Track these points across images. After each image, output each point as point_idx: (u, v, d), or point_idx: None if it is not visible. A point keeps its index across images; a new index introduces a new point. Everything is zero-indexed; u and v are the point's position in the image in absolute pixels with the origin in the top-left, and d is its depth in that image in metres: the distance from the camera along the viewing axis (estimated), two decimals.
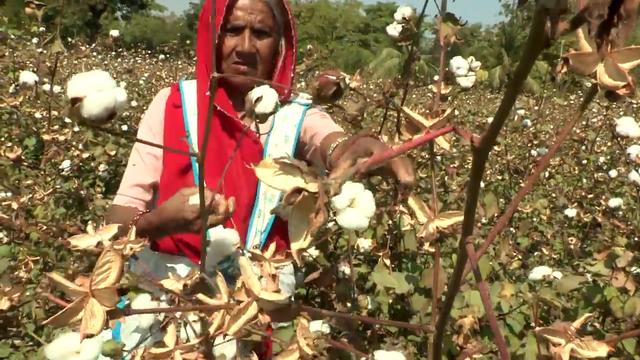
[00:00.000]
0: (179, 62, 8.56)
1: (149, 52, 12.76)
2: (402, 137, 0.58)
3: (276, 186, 0.32)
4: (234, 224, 1.20)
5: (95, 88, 0.51)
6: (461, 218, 0.56)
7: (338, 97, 0.57)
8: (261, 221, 1.29)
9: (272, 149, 1.31)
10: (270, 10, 1.24)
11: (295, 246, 0.33)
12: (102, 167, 2.89)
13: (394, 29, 1.38)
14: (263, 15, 1.23)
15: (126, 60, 10.61)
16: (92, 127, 0.53)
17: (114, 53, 10.28)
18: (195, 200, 0.93)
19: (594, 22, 0.31)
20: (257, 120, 0.75)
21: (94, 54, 8.66)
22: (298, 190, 0.31)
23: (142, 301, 0.91)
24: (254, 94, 0.73)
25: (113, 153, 2.73)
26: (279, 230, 1.30)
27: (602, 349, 0.51)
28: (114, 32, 2.41)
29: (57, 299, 0.49)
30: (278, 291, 0.47)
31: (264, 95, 0.72)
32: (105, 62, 8.46)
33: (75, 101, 0.50)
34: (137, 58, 11.70)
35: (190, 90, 1.31)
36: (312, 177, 0.32)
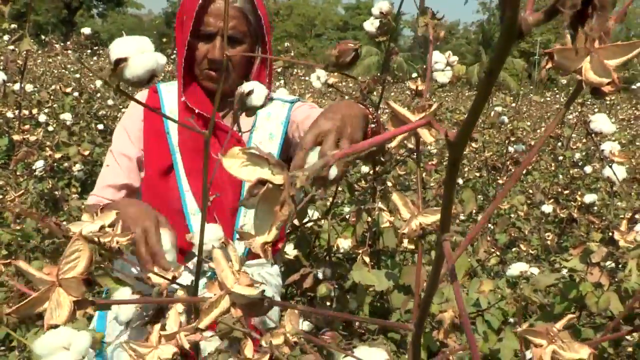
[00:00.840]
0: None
1: None
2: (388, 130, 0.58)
3: (243, 177, 0.31)
4: (218, 222, 1.18)
5: (139, 50, 0.53)
6: None
7: (354, 64, 0.60)
8: (247, 220, 1.27)
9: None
10: (243, 15, 1.22)
11: (259, 240, 0.32)
12: (77, 167, 2.83)
13: (371, 25, 1.37)
14: (236, 21, 1.20)
15: (102, 59, 10.47)
16: (132, 86, 0.54)
17: (89, 51, 10.12)
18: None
19: (567, 13, 0.30)
20: (246, 114, 0.75)
21: (69, 52, 8.52)
22: (262, 182, 0.31)
23: (122, 295, 0.90)
24: (244, 87, 0.73)
25: (87, 153, 2.68)
26: None
27: (584, 351, 0.51)
28: (86, 30, 2.37)
29: (24, 287, 0.47)
30: (251, 285, 0.46)
31: (254, 89, 0.72)
32: (82, 60, 8.31)
33: (119, 62, 0.52)
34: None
35: (168, 92, 1.30)
36: (279, 169, 0.31)
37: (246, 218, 1.26)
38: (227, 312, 0.46)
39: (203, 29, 1.19)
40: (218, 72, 1.23)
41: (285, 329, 0.59)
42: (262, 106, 0.74)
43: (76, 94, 3.88)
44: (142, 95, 1.32)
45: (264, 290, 0.47)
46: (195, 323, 0.49)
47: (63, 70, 7.10)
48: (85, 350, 0.65)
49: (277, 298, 1.24)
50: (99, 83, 5.08)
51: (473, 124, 0.30)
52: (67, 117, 3.33)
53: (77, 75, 5.14)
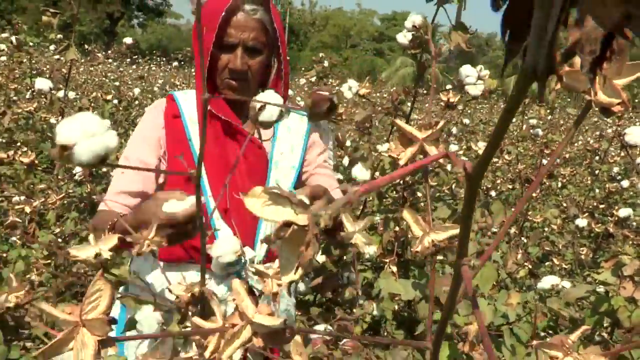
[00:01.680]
0: (193, 70, 8.64)
1: (164, 59, 12.87)
2: (396, 149, 0.58)
3: (266, 217, 0.32)
4: (236, 230, 1.20)
5: (85, 134, 0.49)
6: (456, 231, 0.56)
7: (332, 113, 0.57)
8: (269, 226, 1.29)
9: (277, 157, 1.32)
10: (263, 27, 1.25)
11: (285, 279, 0.32)
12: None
13: (404, 37, 1.39)
14: (256, 32, 1.24)
15: (141, 67, 10.72)
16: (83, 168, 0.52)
17: (129, 60, 10.39)
18: (169, 206, 0.92)
19: (586, 58, 0.31)
20: (263, 128, 0.74)
21: (110, 60, 8.77)
22: (287, 224, 0.31)
23: (145, 313, 0.92)
24: (257, 103, 0.72)
25: None
26: None
27: None
28: (128, 40, 2.44)
29: (48, 328, 0.48)
30: (272, 314, 0.47)
31: (267, 106, 0.71)
32: (121, 69, 8.56)
33: (65, 148, 0.48)
34: (151, 65, 11.81)
35: (185, 100, 1.32)
36: (302, 209, 0.31)
37: (267, 224, 1.28)
38: (249, 341, 0.47)
39: (225, 40, 1.23)
40: (239, 82, 1.26)
41: (294, 359, 0.59)
42: (276, 121, 0.73)
43: (115, 101, 4.00)
44: (160, 103, 1.33)
45: (285, 320, 0.47)
46: (217, 354, 0.49)
47: (103, 79, 7.31)
48: None
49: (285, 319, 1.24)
50: (137, 91, 5.21)
51: (491, 157, 0.30)
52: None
53: (117, 83, 5.28)
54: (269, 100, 0.71)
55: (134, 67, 10.66)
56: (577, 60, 0.33)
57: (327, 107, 0.54)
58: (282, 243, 0.32)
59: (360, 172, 1.46)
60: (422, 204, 1.94)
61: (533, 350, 1.33)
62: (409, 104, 1.52)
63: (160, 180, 1.30)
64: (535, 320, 1.21)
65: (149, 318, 0.86)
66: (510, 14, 0.22)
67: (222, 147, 1.28)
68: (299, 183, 1.36)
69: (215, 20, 1.20)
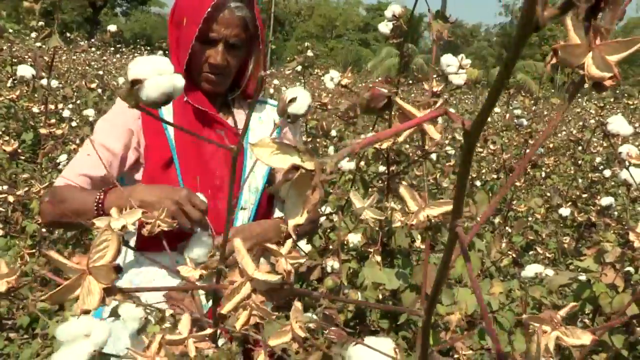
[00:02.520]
0: None
1: (148, 48, 12.76)
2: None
3: (274, 164, 0.33)
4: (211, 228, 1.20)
5: (156, 72, 0.52)
6: (450, 207, 0.57)
7: (386, 110, 0.58)
8: (247, 213, 1.31)
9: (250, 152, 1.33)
10: (245, 24, 1.26)
11: (291, 222, 0.34)
12: None
13: (385, 26, 1.39)
14: (238, 30, 1.25)
15: (125, 57, 10.61)
16: (148, 107, 0.54)
17: (112, 49, 10.28)
18: (194, 253, 0.95)
19: (582, 7, 0.32)
20: (289, 120, 0.75)
21: (93, 49, 8.66)
22: (295, 168, 0.32)
23: (127, 308, 0.92)
24: (288, 94, 0.73)
25: None
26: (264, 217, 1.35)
27: (586, 337, 0.52)
28: (112, 27, 2.41)
29: (54, 276, 0.49)
30: (271, 272, 0.48)
31: (299, 97, 0.73)
32: (104, 58, 8.46)
33: (135, 83, 0.51)
34: (135, 54, 11.70)
35: None
36: (309, 156, 0.33)
37: (245, 210, 1.30)
38: (248, 297, 0.48)
39: (209, 35, 1.24)
40: (217, 76, 1.28)
41: (292, 325, 0.60)
42: (304, 114, 0.74)
43: (99, 90, 3.95)
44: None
45: (283, 276, 0.49)
46: (218, 309, 0.51)
47: (87, 67, 7.22)
48: (103, 342, 0.67)
49: None
50: (121, 80, 5.16)
51: (488, 112, 0.31)
52: (90, 112, 3.40)
53: (100, 73, 5.22)
54: (298, 95, 0.72)
55: (118, 56, 10.54)
56: (572, 35, 0.33)
57: (384, 104, 0.55)
58: (290, 187, 0.33)
59: (346, 161, 1.46)
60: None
61: (515, 338, 1.35)
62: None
63: (124, 169, 1.28)
64: (525, 306, 1.23)
65: (129, 315, 0.87)
66: None
67: (195, 127, 1.28)
68: (272, 173, 1.37)
69: (200, 15, 1.21)
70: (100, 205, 1.12)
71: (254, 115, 1.38)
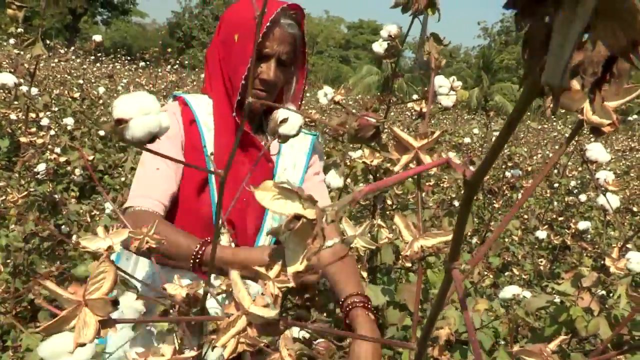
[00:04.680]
0: (159, 70, 8.52)
1: (129, 58, 12.66)
2: (391, 156, 0.60)
3: (275, 209, 0.33)
4: (234, 241, 1.19)
5: (142, 111, 0.51)
6: (445, 238, 0.57)
7: (375, 139, 0.58)
8: (268, 240, 1.30)
9: (281, 173, 1.33)
10: (295, 42, 1.27)
11: (291, 269, 0.34)
12: (77, 171, 2.85)
13: (379, 46, 1.41)
14: (289, 47, 1.25)
15: (105, 66, 10.52)
16: (132, 145, 0.53)
17: (92, 57, 10.19)
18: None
19: (587, 80, 0.33)
20: (279, 141, 0.75)
21: (73, 57, 8.57)
22: (297, 217, 0.32)
23: (127, 299, 0.91)
24: (279, 114, 0.73)
25: (92, 158, 2.70)
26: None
27: None
28: (97, 37, 2.39)
29: (50, 306, 0.49)
30: (267, 306, 0.48)
31: (290, 117, 0.73)
32: (84, 66, 8.37)
33: (120, 122, 0.50)
34: (116, 64, 11.60)
35: (198, 105, 1.29)
36: (310, 204, 0.33)
37: (267, 237, 1.29)
38: (243, 331, 0.48)
39: (262, 51, 1.23)
40: (266, 93, 1.26)
41: (282, 353, 0.60)
42: (294, 135, 0.74)
43: (80, 99, 3.91)
44: (174, 107, 1.29)
45: (281, 312, 0.49)
46: (213, 342, 0.50)
47: (66, 76, 7.14)
48: (89, 357, 0.66)
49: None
50: (101, 90, 5.11)
51: (490, 165, 0.32)
52: (69, 121, 3.36)
53: (80, 81, 5.17)
54: (291, 114, 0.72)
55: (98, 64, 10.45)
56: (573, 81, 0.34)
57: (372, 134, 0.55)
58: (290, 235, 0.34)
59: (334, 178, 1.47)
60: (389, 212, 1.97)
61: (499, 355, 1.36)
62: (381, 112, 1.54)
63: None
64: (511, 326, 1.24)
65: (130, 305, 0.86)
66: (530, 36, 0.24)
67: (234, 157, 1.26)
68: None
69: (254, 31, 1.20)
70: (198, 259, 1.04)
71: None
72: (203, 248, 1.03)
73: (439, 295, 0.39)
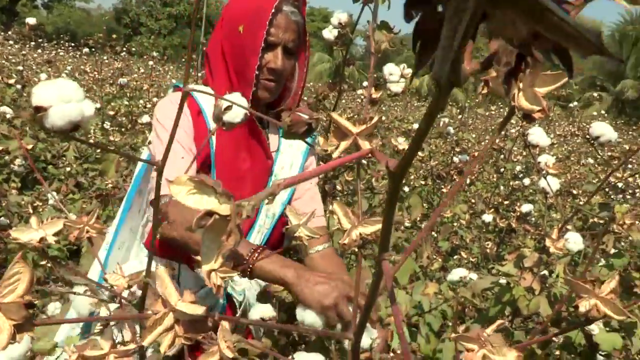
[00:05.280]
0: (105, 57, 8.25)
1: (73, 44, 12.21)
2: (330, 143, 0.60)
3: (190, 205, 0.32)
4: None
5: (62, 99, 0.48)
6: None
7: (308, 136, 0.58)
8: (259, 237, 1.30)
9: (278, 171, 1.33)
10: (299, 29, 1.26)
11: (206, 267, 0.33)
12: (18, 161, 2.74)
13: (329, 33, 1.41)
14: (294, 34, 1.24)
15: (47, 52, 10.11)
16: (54, 134, 0.50)
17: (33, 43, 9.78)
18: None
19: (501, 69, 0.33)
20: (224, 129, 0.73)
21: (11, 42, 8.19)
22: (209, 214, 0.31)
23: (78, 302, 0.89)
24: (223, 101, 0.71)
25: (30, 147, 2.59)
26: (273, 247, 1.33)
27: (511, 355, 0.55)
28: (30, 20, 2.29)
29: None
30: (195, 302, 0.47)
31: (234, 106, 0.71)
32: (24, 52, 8.02)
33: (39, 110, 0.47)
34: (59, 50, 11.16)
35: (202, 95, 1.27)
36: (226, 199, 0.32)
37: (258, 234, 1.29)
38: (170, 329, 0.47)
39: (267, 39, 1.21)
40: (275, 83, 1.24)
41: (220, 345, 0.59)
42: (239, 123, 0.73)
43: (19, 86, 3.75)
44: (176, 98, 1.26)
45: (208, 308, 0.48)
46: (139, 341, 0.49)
47: (4, 62, 6.82)
48: (20, 355, 0.64)
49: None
50: (43, 77, 4.91)
51: (413, 156, 0.31)
52: (7, 109, 3.22)
53: (20, 68, 4.95)
54: (236, 101, 0.70)
55: (39, 51, 10.03)
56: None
57: (305, 130, 0.54)
58: (204, 232, 0.32)
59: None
60: (339, 198, 1.98)
61: (443, 338, 1.40)
62: (332, 99, 1.54)
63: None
64: (455, 308, 1.27)
65: (82, 303, 0.84)
66: (421, 26, 0.22)
67: (236, 149, 1.25)
68: (291, 200, 1.36)
69: (264, 19, 1.18)
70: (252, 263, 1.00)
71: (284, 139, 1.36)
72: (256, 254, 1.00)
73: (371, 287, 0.39)
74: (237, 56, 1.23)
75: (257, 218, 1.29)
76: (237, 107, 0.70)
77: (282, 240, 1.38)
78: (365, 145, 0.49)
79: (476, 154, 4.14)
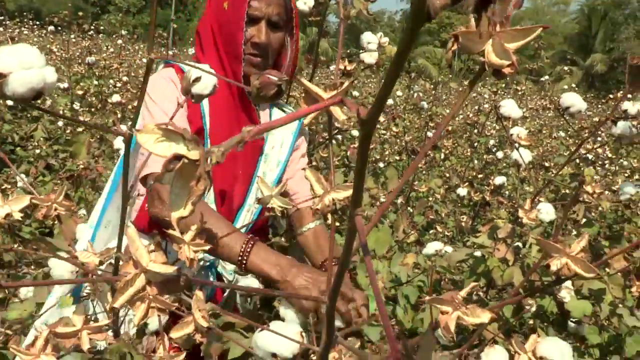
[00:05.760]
0: (72, 36, 8.03)
1: (37, 23, 11.86)
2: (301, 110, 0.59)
3: (158, 153, 0.31)
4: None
5: (22, 65, 0.46)
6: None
7: (278, 98, 0.57)
8: (249, 216, 1.30)
9: (268, 150, 1.32)
10: (284, 3, 1.24)
11: (175, 214, 0.32)
12: None
13: (304, 4, 1.39)
14: (280, 8, 1.22)
15: (10, 31, 9.80)
16: (15, 102, 0.48)
17: None
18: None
19: (471, 1, 0.33)
20: (193, 101, 0.72)
21: None
22: (178, 157, 0.30)
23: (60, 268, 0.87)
24: (192, 73, 0.70)
25: None
26: (261, 228, 1.34)
27: (485, 316, 0.56)
28: None
29: None
30: (166, 262, 0.46)
31: (203, 76, 0.70)
32: None
33: None
34: (23, 29, 10.83)
35: (195, 72, 1.24)
36: (195, 145, 0.31)
37: (248, 213, 1.29)
38: (142, 290, 0.46)
39: (250, 13, 1.19)
40: (260, 57, 1.22)
41: (195, 315, 0.58)
42: (208, 94, 0.71)
43: None
44: (170, 73, 1.23)
45: (179, 268, 0.47)
46: (110, 303, 0.48)
47: None
48: None
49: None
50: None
51: (384, 101, 0.31)
52: None
53: None
54: (203, 74, 0.68)
55: (1, 29, 9.72)
56: (473, 22, 0.34)
57: (274, 92, 0.53)
58: (173, 178, 0.31)
59: None
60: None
61: (423, 308, 1.41)
62: (306, 72, 1.52)
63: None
64: (432, 277, 1.29)
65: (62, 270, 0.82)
66: None
67: (231, 125, 1.24)
68: (281, 180, 1.35)
69: None
70: (245, 259, 1.01)
71: (274, 115, 1.35)
72: (248, 249, 1.02)
73: (345, 246, 0.39)
74: (224, 33, 1.22)
75: (246, 197, 1.29)
76: (207, 79, 0.69)
77: (267, 222, 1.39)
78: (336, 111, 0.48)
79: (450, 128, 4.16)
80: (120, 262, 0.61)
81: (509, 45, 0.35)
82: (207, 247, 0.58)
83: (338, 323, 0.99)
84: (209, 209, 1.13)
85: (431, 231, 2.96)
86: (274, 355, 0.58)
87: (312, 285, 0.96)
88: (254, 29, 1.21)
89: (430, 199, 3.28)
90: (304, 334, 0.58)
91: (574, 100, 1.24)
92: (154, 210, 1.09)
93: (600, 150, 3.00)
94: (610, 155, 3.16)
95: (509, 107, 1.46)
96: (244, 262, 1.01)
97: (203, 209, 1.05)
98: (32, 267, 1.94)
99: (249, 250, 1.01)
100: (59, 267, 0.84)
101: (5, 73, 0.45)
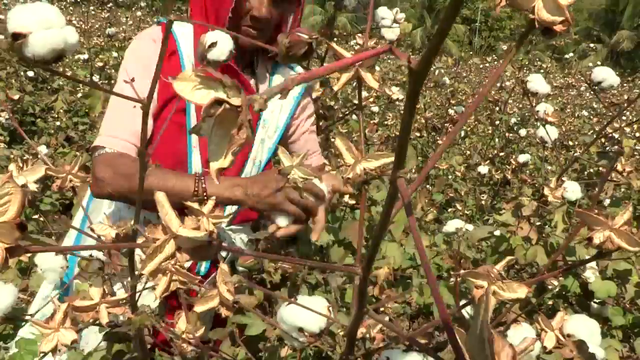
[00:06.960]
0: (92, 8, 8.02)
1: None
2: (332, 77, 0.57)
3: (196, 101, 0.29)
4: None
5: (42, 25, 0.44)
6: (390, 159, 0.55)
7: (308, 58, 0.54)
8: (255, 170, 1.27)
9: (267, 115, 1.27)
10: None
11: (214, 165, 0.30)
12: (4, 114, 2.67)
13: None
14: None
15: (29, 2, 9.81)
16: (35, 65, 0.46)
17: None
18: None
19: None
20: (208, 66, 0.69)
21: None
22: (219, 102, 0.29)
23: (46, 258, 0.87)
24: (207, 38, 0.67)
25: (17, 97, 2.52)
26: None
27: (522, 291, 0.53)
28: None
29: None
30: (197, 228, 0.44)
31: (219, 41, 0.67)
32: (5, 2, 7.78)
33: (18, 37, 0.43)
34: (42, 0, 10.84)
35: (182, 34, 1.19)
36: (236, 91, 0.29)
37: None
38: (172, 256, 0.44)
39: None
40: (258, 31, 1.17)
41: (220, 289, 0.57)
42: (225, 61, 0.69)
43: (1, 36, 3.63)
44: (156, 32, 1.18)
45: (211, 232, 0.45)
46: (140, 269, 0.47)
47: None
48: (7, 307, 0.62)
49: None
50: None
51: (436, 51, 0.29)
52: None
53: (1, 16, 4.79)
54: (219, 39, 0.66)
55: (21, 1, 9.73)
56: None
57: (305, 51, 0.50)
58: (213, 127, 0.29)
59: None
60: (332, 150, 1.95)
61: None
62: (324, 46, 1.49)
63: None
64: (454, 256, 1.26)
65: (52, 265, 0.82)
66: None
67: None
68: (281, 144, 1.31)
69: None
70: (203, 193, 1.02)
71: (276, 79, 1.29)
72: (202, 183, 1.02)
73: (384, 210, 0.37)
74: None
75: (244, 166, 1.26)
76: (223, 44, 0.66)
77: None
78: (367, 77, 0.46)
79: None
80: (138, 235, 0.60)
81: (561, 0, 0.32)
82: (226, 219, 0.56)
83: (282, 220, 1.02)
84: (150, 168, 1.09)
85: (450, 210, 2.93)
86: (301, 329, 0.56)
87: (263, 180, 1.01)
88: (256, 1, 1.15)
89: (450, 176, 3.24)
90: (331, 308, 0.56)
91: (606, 75, 1.19)
92: (129, 183, 1.03)
93: (628, 129, 2.92)
94: (638, 135, 3.08)
95: (537, 82, 1.41)
96: (204, 195, 1.01)
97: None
98: (53, 237, 1.96)
99: (203, 184, 1.01)
100: (47, 262, 0.83)
101: (25, 33, 0.43)
